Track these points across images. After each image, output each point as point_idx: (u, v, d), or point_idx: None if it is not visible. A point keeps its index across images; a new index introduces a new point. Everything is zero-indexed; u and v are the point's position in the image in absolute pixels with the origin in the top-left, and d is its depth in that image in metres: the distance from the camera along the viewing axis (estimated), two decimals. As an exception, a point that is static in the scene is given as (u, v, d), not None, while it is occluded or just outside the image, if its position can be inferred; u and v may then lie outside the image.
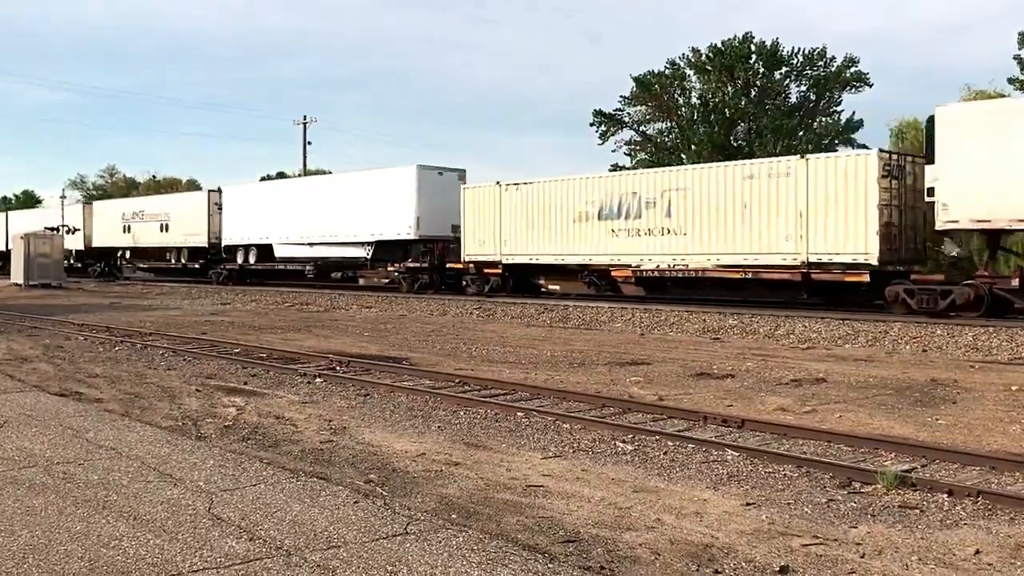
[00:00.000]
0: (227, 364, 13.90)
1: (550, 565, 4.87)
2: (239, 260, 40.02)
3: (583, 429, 8.81)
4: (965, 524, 5.78)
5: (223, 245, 40.55)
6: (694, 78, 52.53)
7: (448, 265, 30.98)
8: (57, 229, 48.22)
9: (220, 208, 40.80)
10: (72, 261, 51.90)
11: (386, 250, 32.73)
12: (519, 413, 9.56)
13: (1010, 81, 39.55)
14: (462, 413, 9.71)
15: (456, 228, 30.79)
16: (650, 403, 10.16)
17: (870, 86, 50.75)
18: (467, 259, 29.60)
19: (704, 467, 7.31)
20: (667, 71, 52.45)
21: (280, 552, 5.03)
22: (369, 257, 33.18)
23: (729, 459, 7.52)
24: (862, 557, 5.12)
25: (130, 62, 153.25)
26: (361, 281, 34.78)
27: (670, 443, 8.12)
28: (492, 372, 12.85)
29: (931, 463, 7.29)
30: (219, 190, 42.05)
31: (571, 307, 23.66)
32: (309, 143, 59.40)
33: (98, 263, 51.70)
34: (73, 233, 50.23)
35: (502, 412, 9.69)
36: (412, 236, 31.19)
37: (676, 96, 53.12)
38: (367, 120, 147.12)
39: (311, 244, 35.39)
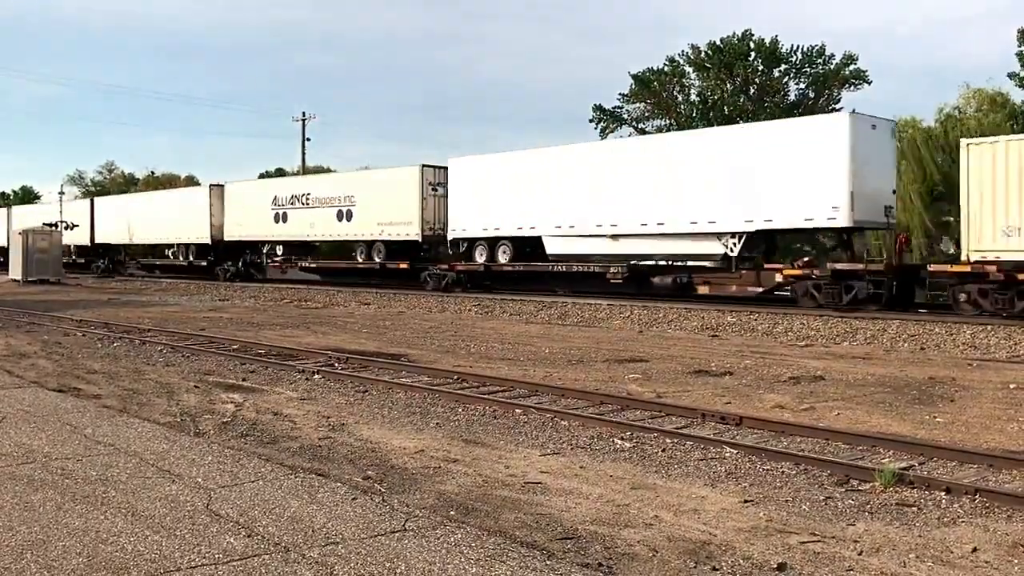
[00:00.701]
0: (225, 360, 13.90)
1: (548, 562, 4.87)
2: (478, 258, 29.27)
3: (581, 426, 8.81)
4: (963, 522, 5.79)
5: (450, 238, 30.09)
6: (693, 75, 52.58)
7: (933, 268, 19.90)
8: (55, 225, 48.02)
9: (436, 189, 30.94)
10: (192, 258, 42.69)
11: (751, 244, 22.74)
12: (517, 410, 9.57)
13: (1010, 76, 39.59)
14: (460, 410, 9.72)
15: (889, 211, 21.19)
16: (648, 400, 10.16)
17: (869, 83, 50.83)
18: (975, 258, 18.39)
19: (702, 464, 7.31)
20: (666, 68, 52.49)
21: (278, 548, 5.03)
22: (735, 254, 22.47)
23: (727, 456, 7.53)
24: (860, 555, 5.13)
25: (129, 58, 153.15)
26: (703, 289, 23.48)
27: (668, 440, 8.13)
28: (490, 369, 12.85)
29: (929, 461, 7.30)
30: (437, 166, 31.62)
31: (569, 304, 23.67)
32: (308, 139, 59.30)
33: (231, 261, 40.70)
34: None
35: (500, 409, 9.69)
36: (841, 222, 20.62)
37: (675, 93, 53.16)
38: (366, 117, 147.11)
39: (616, 236, 25.07)
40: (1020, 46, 39.48)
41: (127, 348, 15.72)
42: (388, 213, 31.98)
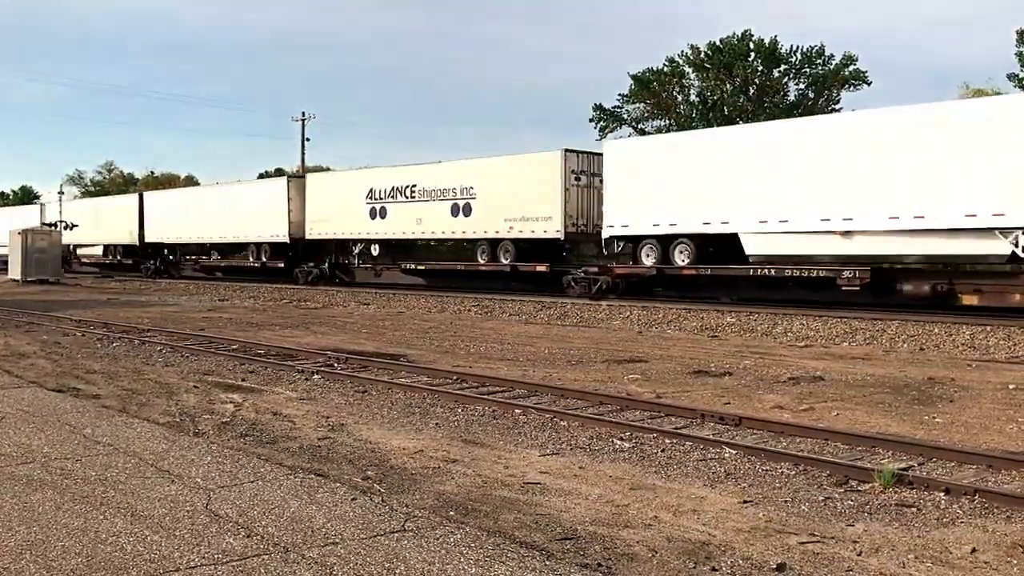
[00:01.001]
0: (224, 360, 13.90)
1: (547, 562, 4.87)
2: (645, 259, 24.49)
3: (581, 426, 8.81)
4: (962, 522, 5.79)
5: (605, 236, 25.10)
6: (693, 76, 52.64)
7: None
8: (54, 225, 47.97)
9: (579, 178, 26.55)
10: (265, 259, 38.00)
11: None
12: (517, 410, 9.56)
13: (1009, 78, 39.65)
14: (460, 410, 9.71)
15: None
16: (648, 401, 10.16)
17: (868, 84, 50.88)
18: None
19: (701, 465, 7.31)
20: (666, 69, 52.53)
21: (277, 549, 5.03)
22: None
23: (726, 457, 7.53)
24: (859, 555, 5.13)
25: (128, 57, 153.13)
26: (971, 299, 19.31)
27: (667, 441, 8.13)
28: (490, 369, 12.84)
29: (928, 461, 7.30)
30: (582, 151, 27.24)
31: (568, 305, 23.67)
32: (307, 140, 59.24)
33: (312, 262, 36.20)
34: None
35: (500, 409, 9.69)
36: None
37: (675, 94, 53.21)
38: (366, 117, 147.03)
39: (849, 233, 20.19)
40: (1019, 47, 39.55)
41: (126, 348, 15.72)
42: (519, 207, 27.26)
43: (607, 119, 54.17)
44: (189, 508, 5.79)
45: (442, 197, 30.02)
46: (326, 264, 35.65)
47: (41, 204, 57.98)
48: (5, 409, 9.37)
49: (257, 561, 4.82)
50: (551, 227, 26.64)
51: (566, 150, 26.78)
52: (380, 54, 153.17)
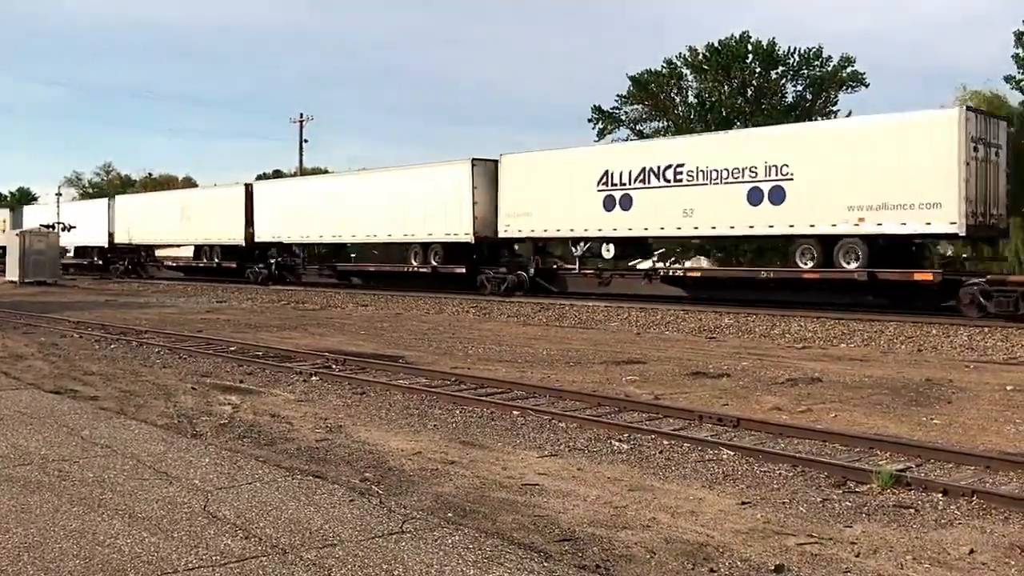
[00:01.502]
0: (222, 362, 13.89)
1: (546, 564, 4.87)
2: None
3: (579, 428, 8.81)
4: (960, 523, 5.80)
5: None
6: (691, 77, 52.66)
7: None
8: (52, 226, 47.94)
9: (977, 148, 19.01)
10: (436, 262, 30.49)
11: None
12: (515, 412, 9.56)
13: (1006, 79, 39.66)
14: (458, 412, 9.71)
15: None
16: (646, 402, 10.17)
17: (867, 86, 50.88)
18: None
19: (700, 466, 7.32)
20: (664, 70, 52.55)
21: (276, 550, 5.03)
22: None
23: (725, 458, 7.54)
24: (857, 556, 5.14)
25: (127, 59, 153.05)
26: None
27: (666, 442, 8.13)
28: (488, 371, 12.84)
29: (926, 463, 7.31)
30: (980, 111, 20.87)
31: (567, 306, 23.67)
32: (305, 141, 59.23)
33: (503, 267, 29.28)
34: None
35: (498, 411, 9.69)
36: None
37: (673, 95, 53.23)
38: (364, 119, 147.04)
39: None
40: (1016, 48, 39.58)
41: (124, 350, 15.70)
42: (875, 190, 19.73)
43: (605, 120, 54.16)
44: (187, 510, 5.79)
45: (731, 179, 22.47)
46: (530, 269, 28.28)
47: (109, 200, 51.18)
48: (3, 411, 9.36)
49: (255, 563, 4.82)
50: (939, 217, 18.83)
51: (965, 107, 19.89)
52: (379, 54, 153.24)
